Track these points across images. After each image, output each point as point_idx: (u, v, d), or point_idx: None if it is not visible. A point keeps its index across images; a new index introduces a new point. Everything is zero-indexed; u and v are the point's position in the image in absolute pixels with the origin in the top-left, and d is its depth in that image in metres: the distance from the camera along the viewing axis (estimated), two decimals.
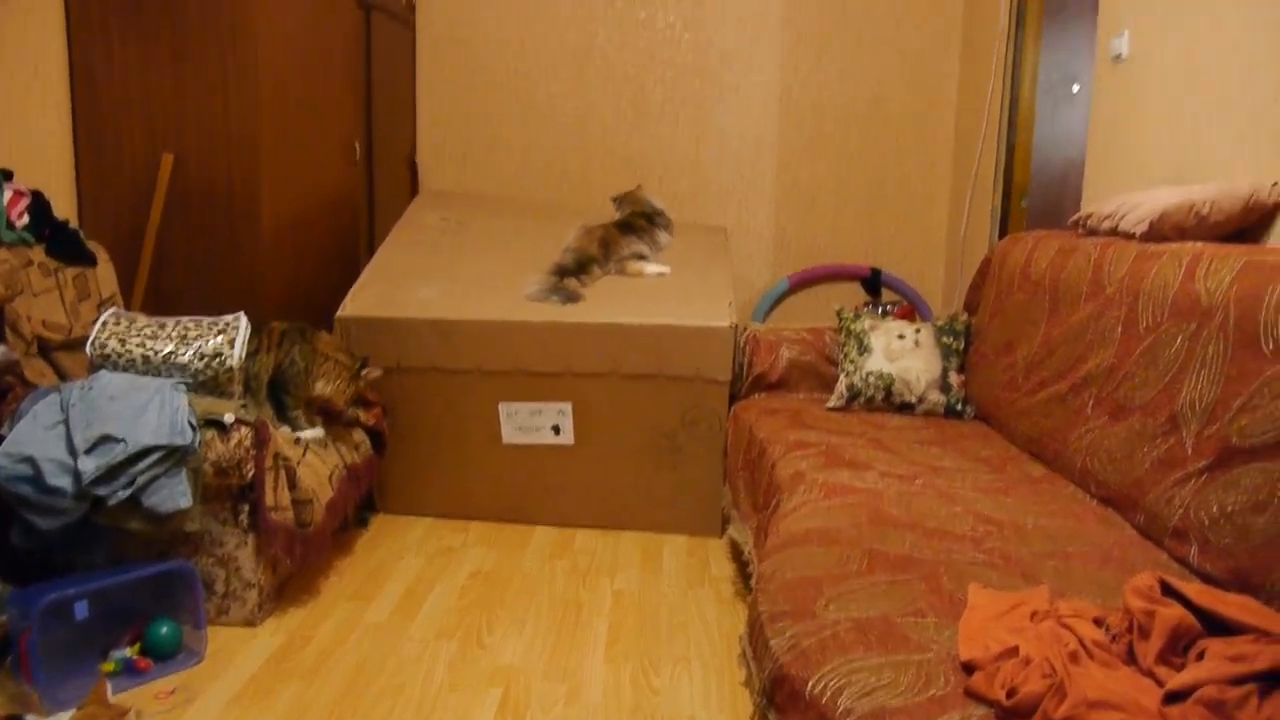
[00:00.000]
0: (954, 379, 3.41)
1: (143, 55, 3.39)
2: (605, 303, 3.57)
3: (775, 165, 4.58)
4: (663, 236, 4.01)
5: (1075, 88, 3.84)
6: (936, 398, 3.41)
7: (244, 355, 2.97)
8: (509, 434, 3.56)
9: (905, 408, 3.44)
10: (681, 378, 3.50)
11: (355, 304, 3.57)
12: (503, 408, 3.56)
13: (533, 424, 3.56)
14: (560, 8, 4.46)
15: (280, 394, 3.10)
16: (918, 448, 2.97)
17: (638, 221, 4.00)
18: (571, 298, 3.55)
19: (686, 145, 4.53)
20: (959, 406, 3.37)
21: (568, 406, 3.54)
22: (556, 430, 3.56)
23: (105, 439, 2.64)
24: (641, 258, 3.89)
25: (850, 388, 3.46)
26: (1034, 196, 4.12)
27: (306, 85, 3.70)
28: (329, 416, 3.16)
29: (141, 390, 2.76)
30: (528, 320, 3.47)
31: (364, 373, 3.15)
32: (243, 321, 2.98)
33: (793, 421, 3.22)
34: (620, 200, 4.11)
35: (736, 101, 4.47)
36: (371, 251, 4.17)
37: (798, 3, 4.47)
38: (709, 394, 3.52)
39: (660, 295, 3.61)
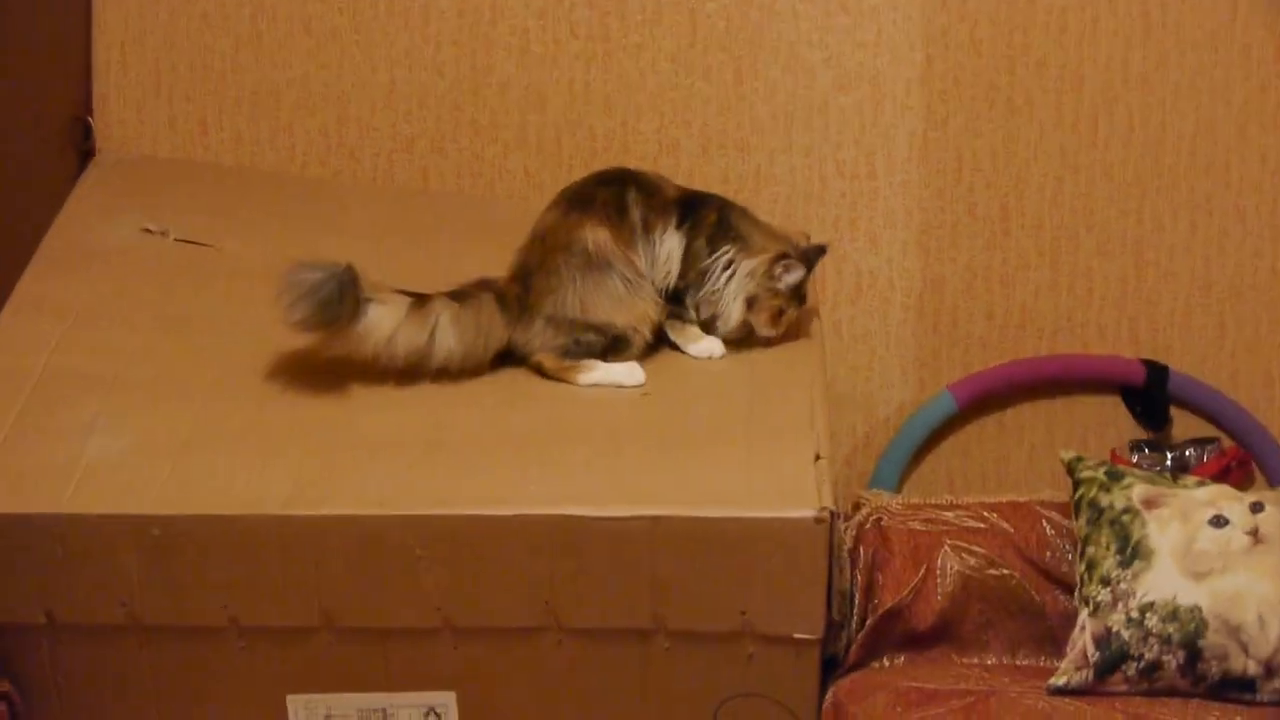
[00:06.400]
0: None
1: None
2: (518, 461, 2.89)
3: (916, 135, 3.87)
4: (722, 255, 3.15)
5: None
6: None
7: None
8: None
9: (1233, 687, 2.82)
10: (707, 635, 2.80)
11: None
12: (298, 706, 2.83)
13: None
14: None
15: None
16: None
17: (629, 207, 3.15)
18: (334, 296, 2.87)
19: (711, 90, 3.86)
20: None
21: (448, 700, 2.82)
22: None
23: None
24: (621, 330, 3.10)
25: (1104, 642, 2.84)
26: None
27: None
28: None
29: None
30: (350, 513, 2.74)
31: None
32: None
33: None
34: None
35: None
36: None
37: None
38: (775, 665, 2.80)
39: (645, 435, 2.98)
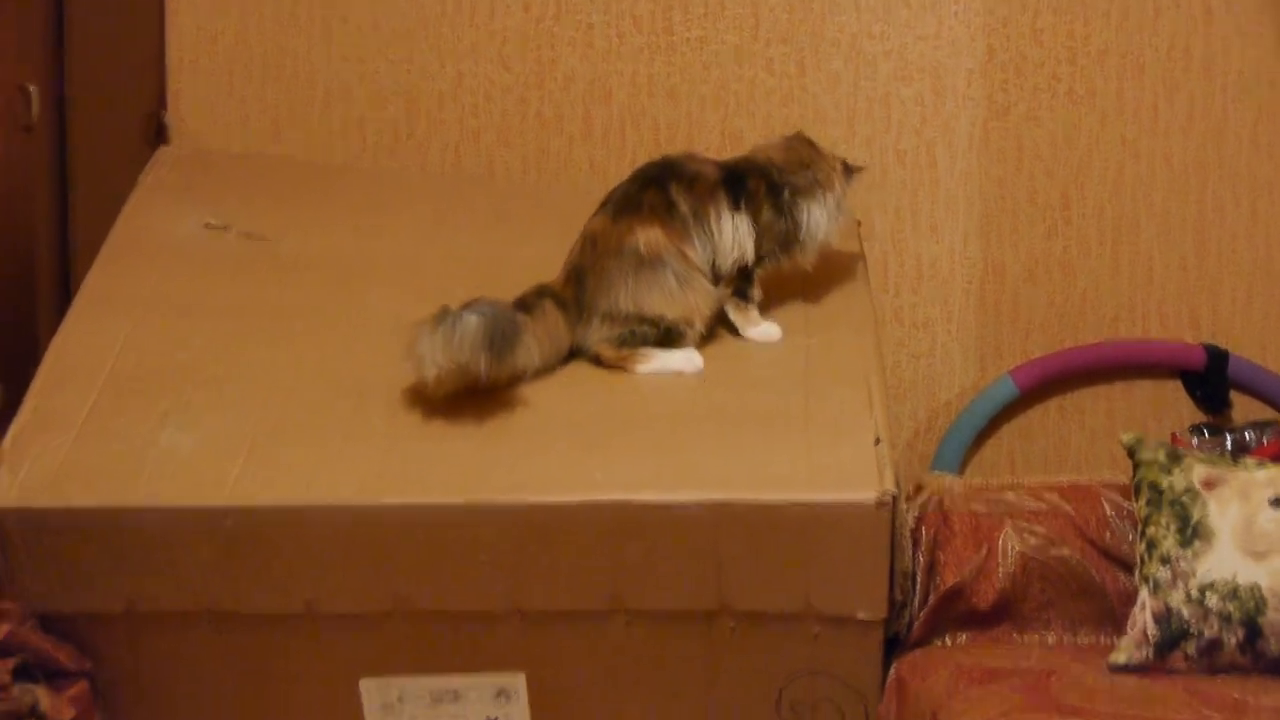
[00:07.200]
0: None
1: None
2: (585, 447, 2.88)
3: (977, 125, 3.86)
4: (812, 224, 3.19)
5: None
6: None
7: None
8: None
9: None
10: (772, 616, 2.78)
11: (23, 478, 2.77)
12: (370, 689, 2.83)
13: (439, 719, 2.87)
14: None
15: None
16: None
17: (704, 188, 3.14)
18: (502, 333, 2.83)
19: (773, 82, 3.83)
20: None
21: (518, 681, 2.82)
22: None
23: None
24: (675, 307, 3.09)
25: (1164, 620, 2.82)
26: None
27: None
28: None
29: None
30: (421, 502, 2.77)
31: None
32: None
33: (1034, 699, 2.67)
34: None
35: None
36: (67, 295, 3.52)
37: None
38: (838, 645, 2.80)
39: (708, 422, 2.96)
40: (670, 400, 3.05)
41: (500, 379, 2.93)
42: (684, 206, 3.08)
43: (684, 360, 3.05)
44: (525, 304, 3.01)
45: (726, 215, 3.11)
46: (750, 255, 3.11)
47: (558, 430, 2.97)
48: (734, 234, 3.12)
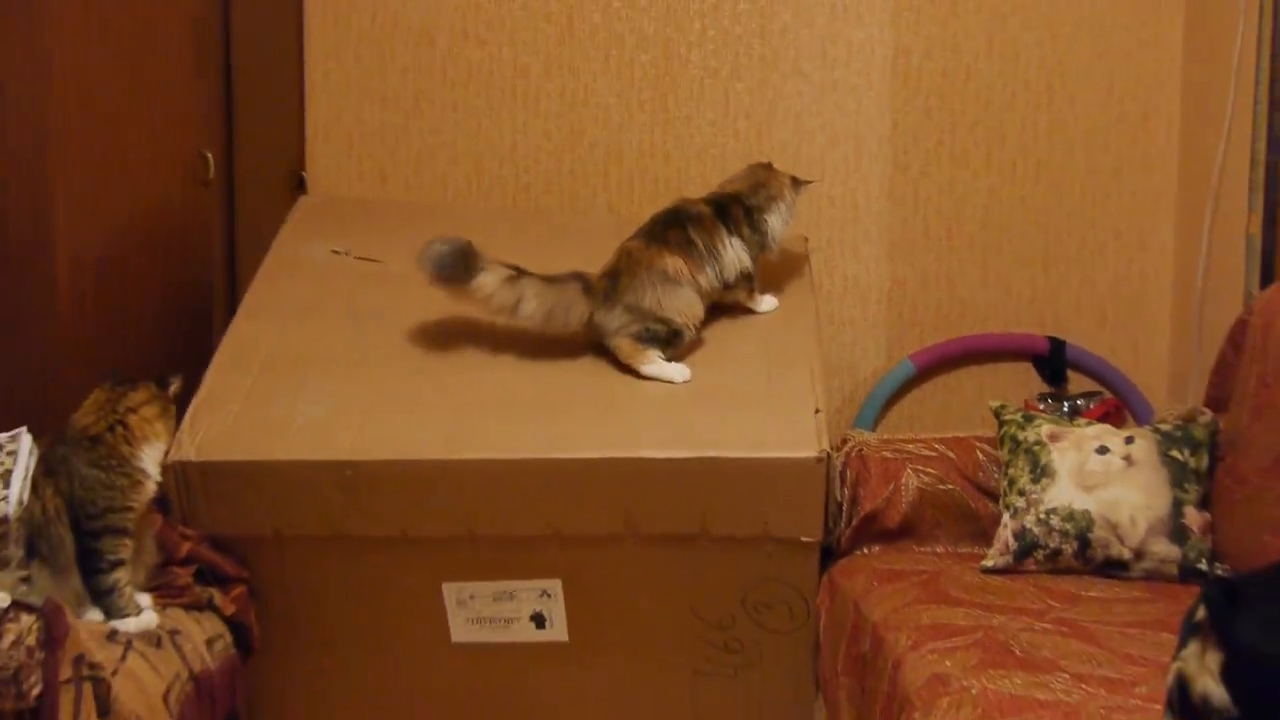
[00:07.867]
0: (1192, 518, 2.76)
1: None
2: (604, 417, 2.82)
3: (886, 178, 3.76)
4: (772, 230, 3.10)
5: None
6: (1164, 550, 2.75)
7: (26, 495, 2.22)
8: (462, 630, 2.78)
9: (1112, 567, 2.79)
10: (739, 538, 2.74)
11: (200, 438, 2.72)
12: (450, 591, 2.76)
13: (500, 613, 2.78)
14: None
15: (88, 543, 2.25)
16: (1135, 636, 2.41)
17: (698, 218, 3.05)
18: (453, 262, 2.81)
19: (740, 147, 3.75)
20: (1201, 564, 2.73)
21: (556, 586, 2.76)
22: (539, 622, 2.79)
23: None
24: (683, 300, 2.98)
25: (1020, 535, 2.80)
26: None
27: (127, 72, 3.07)
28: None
29: None
30: (487, 457, 2.70)
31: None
32: (24, 444, 2.27)
33: (927, 593, 2.66)
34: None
35: (820, 75, 3.72)
36: (233, 306, 3.43)
37: None
38: (787, 559, 2.75)
39: (695, 396, 2.89)
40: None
41: (453, 293, 2.86)
42: (700, 243, 2.98)
43: (676, 372, 2.96)
44: (551, 277, 2.93)
45: (726, 241, 3.02)
46: (749, 264, 3.02)
47: (587, 402, 2.91)
48: (734, 253, 3.03)
